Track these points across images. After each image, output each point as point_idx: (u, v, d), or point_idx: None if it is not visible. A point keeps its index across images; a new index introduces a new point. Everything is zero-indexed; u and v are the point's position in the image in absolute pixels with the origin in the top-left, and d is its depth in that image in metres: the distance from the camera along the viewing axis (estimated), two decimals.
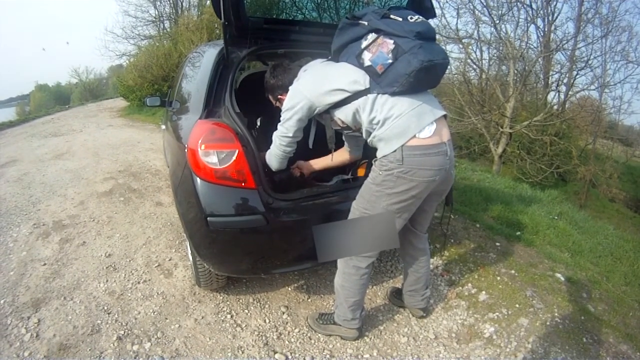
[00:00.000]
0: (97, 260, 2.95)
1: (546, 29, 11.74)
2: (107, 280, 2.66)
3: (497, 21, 11.12)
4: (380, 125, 1.63)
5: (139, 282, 2.63)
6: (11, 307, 2.42)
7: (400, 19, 1.60)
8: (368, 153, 1.82)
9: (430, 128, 1.61)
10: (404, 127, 1.59)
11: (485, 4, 11.11)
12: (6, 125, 13.17)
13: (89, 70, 39.18)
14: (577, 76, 11.67)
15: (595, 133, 13.43)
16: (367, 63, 1.63)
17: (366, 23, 1.66)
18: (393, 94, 1.61)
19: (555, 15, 11.52)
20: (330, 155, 2.23)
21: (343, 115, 1.74)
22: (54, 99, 42.62)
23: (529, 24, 11.53)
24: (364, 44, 1.65)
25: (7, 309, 2.40)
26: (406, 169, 1.60)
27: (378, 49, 1.60)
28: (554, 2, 11.38)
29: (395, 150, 1.59)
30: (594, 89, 11.90)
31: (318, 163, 2.30)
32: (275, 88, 2.06)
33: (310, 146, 2.08)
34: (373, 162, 1.73)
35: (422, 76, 1.56)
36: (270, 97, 2.14)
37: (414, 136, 1.59)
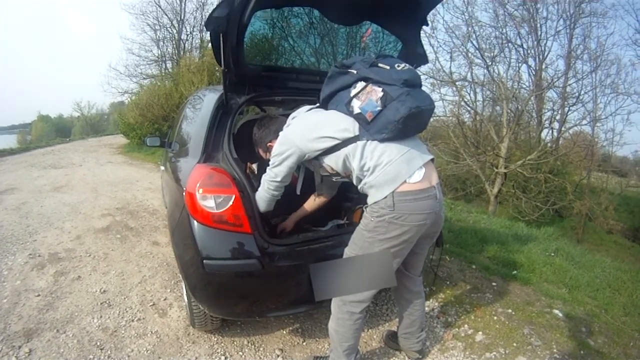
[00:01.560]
0: (91, 295, 2.93)
1: (537, 68, 12.16)
2: (101, 316, 2.64)
3: (490, 63, 11.50)
4: (371, 172, 1.66)
5: (133, 320, 2.61)
6: (2, 335, 2.42)
7: (388, 67, 1.66)
8: (361, 199, 1.85)
9: (419, 172, 1.66)
10: (394, 173, 1.63)
11: (477, 46, 11.53)
12: (7, 152, 13.37)
13: (91, 105, 40.09)
14: (569, 112, 12.04)
15: (589, 167, 13.58)
16: (356, 110, 1.67)
17: (355, 71, 1.70)
18: (382, 140, 1.65)
19: (546, 53, 12.00)
20: (307, 202, 2.29)
21: (333, 162, 1.77)
22: (55, 130, 43.30)
23: (520, 64, 11.96)
24: (353, 92, 1.69)
25: None
26: (398, 215, 1.62)
27: (367, 97, 1.64)
28: (544, 41, 11.86)
29: (386, 197, 1.62)
30: (586, 124, 12.22)
31: (296, 216, 2.33)
32: (263, 137, 2.13)
33: (298, 192, 2.12)
34: (364, 209, 1.75)
35: (410, 122, 1.61)
36: (260, 151, 2.20)
37: (405, 181, 1.62)
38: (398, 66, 1.67)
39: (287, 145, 1.79)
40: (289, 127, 1.88)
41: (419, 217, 1.65)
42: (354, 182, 1.78)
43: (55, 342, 2.36)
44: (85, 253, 3.77)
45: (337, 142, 1.71)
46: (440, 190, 1.76)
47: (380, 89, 1.62)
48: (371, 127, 1.65)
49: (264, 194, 1.93)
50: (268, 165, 1.90)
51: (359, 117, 1.68)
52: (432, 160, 1.76)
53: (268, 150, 2.11)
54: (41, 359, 2.21)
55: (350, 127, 1.70)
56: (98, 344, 2.35)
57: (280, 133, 1.88)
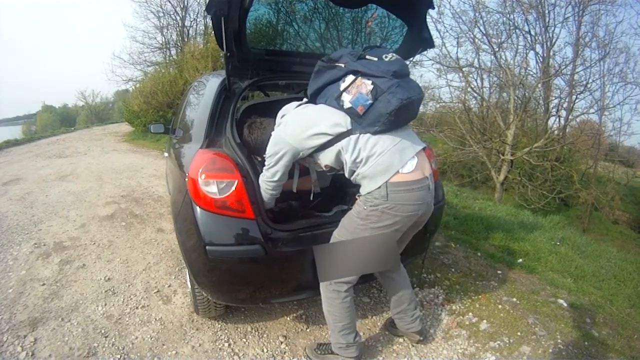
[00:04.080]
0: (96, 283, 2.95)
1: (545, 55, 11.96)
2: (105, 304, 2.66)
3: (497, 49, 11.29)
4: (364, 163, 1.67)
5: (137, 307, 2.62)
6: (8, 324, 2.43)
7: (376, 59, 1.67)
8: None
9: (412, 162, 1.67)
10: (387, 163, 1.64)
11: (484, 32, 11.31)
12: (12, 143, 13.37)
13: (96, 94, 40.00)
14: (577, 100, 11.85)
15: (596, 156, 13.50)
16: (347, 105, 1.68)
17: (343, 65, 1.71)
18: (375, 132, 1.66)
19: (554, 40, 11.78)
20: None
21: (327, 157, 1.78)
22: (60, 120, 43.34)
23: (528, 51, 11.75)
24: (343, 86, 1.70)
25: (4, 326, 2.41)
26: (391, 205, 1.64)
27: (357, 91, 1.65)
28: (552, 28, 11.65)
29: (379, 187, 1.64)
30: (593, 112, 12.03)
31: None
32: (255, 149, 2.12)
33: (294, 190, 2.11)
34: (357, 197, 1.76)
35: (402, 113, 1.63)
36: (253, 156, 2.19)
37: (398, 172, 1.64)
38: (386, 57, 1.68)
39: (280, 145, 1.79)
40: (280, 127, 1.87)
41: (411, 208, 1.67)
42: (346, 174, 1.78)
43: (60, 330, 2.38)
44: (90, 241, 3.78)
45: (330, 137, 1.72)
46: (432, 181, 1.78)
47: (370, 81, 1.63)
48: (363, 120, 1.66)
49: (263, 194, 1.93)
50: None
51: (350, 112, 1.69)
52: (424, 149, 1.77)
53: (262, 158, 2.10)
54: (46, 347, 2.22)
55: (342, 121, 1.70)
56: (102, 331, 2.37)
57: (273, 133, 1.87)
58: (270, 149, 1.82)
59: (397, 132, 1.70)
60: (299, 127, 1.78)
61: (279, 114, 1.95)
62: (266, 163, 1.86)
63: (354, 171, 1.72)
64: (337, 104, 1.71)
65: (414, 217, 1.72)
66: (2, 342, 2.26)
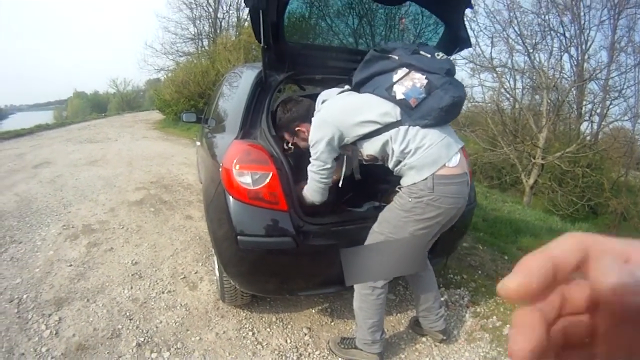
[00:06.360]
0: (123, 266, 3.01)
1: (579, 58, 11.64)
2: (131, 287, 2.71)
3: (531, 50, 11.09)
4: (412, 154, 1.68)
5: (163, 292, 2.67)
6: (33, 302, 2.50)
7: (429, 56, 1.72)
8: (398, 181, 1.83)
9: (456, 158, 1.70)
10: (436, 156, 1.65)
11: (519, 32, 11.12)
12: (43, 127, 13.81)
13: (127, 82, 41.05)
14: (611, 106, 11.51)
15: (628, 165, 13.02)
16: (399, 96, 1.69)
17: (397, 57, 1.74)
18: (424, 126, 1.68)
19: (589, 44, 11.47)
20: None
21: (372, 147, 1.76)
22: (91, 106, 44.60)
23: (562, 53, 11.45)
24: (395, 77, 1.72)
25: (30, 304, 2.48)
26: (436, 197, 1.65)
27: (412, 83, 1.67)
28: (587, 31, 11.33)
29: (426, 179, 1.65)
30: (627, 120, 11.63)
31: None
32: (290, 121, 2.09)
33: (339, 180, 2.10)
34: (398, 189, 1.77)
35: (451, 110, 1.67)
36: (286, 135, 2.16)
37: (444, 165, 1.65)
38: (437, 55, 1.73)
39: (325, 129, 1.76)
40: (323, 111, 1.84)
41: (452, 201, 1.69)
42: (390, 164, 1.78)
43: (85, 311, 2.43)
44: (118, 225, 3.87)
45: (379, 126, 1.72)
46: (469, 177, 1.81)
47: (424, 76, 1.67)
48: (414, 112, 1.68)
49: (316, 185, 1.87)
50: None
51: (401, 103, 1.70)
52: (462, 147, 1.80)
53: (296, 134, 2.11)
54: (70, 327, 2.28)
55: (391, 111, 1.71)
56: (127, 314, 2.41)
57: (314, 119, 1.85)
58: (315, 135, 1.79)
59: (442, 129, 1.72)
60: (345, 112, 1.77)
61: (319, 98, 1.93)
62: (312, 152, 1.83)
63: (401, 161, 1.72)
64: (388, 94, 1.72)
65: (454, 210, 1.73)
66: (27, 319, 2.33)
